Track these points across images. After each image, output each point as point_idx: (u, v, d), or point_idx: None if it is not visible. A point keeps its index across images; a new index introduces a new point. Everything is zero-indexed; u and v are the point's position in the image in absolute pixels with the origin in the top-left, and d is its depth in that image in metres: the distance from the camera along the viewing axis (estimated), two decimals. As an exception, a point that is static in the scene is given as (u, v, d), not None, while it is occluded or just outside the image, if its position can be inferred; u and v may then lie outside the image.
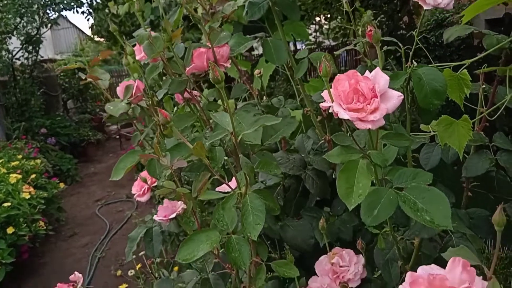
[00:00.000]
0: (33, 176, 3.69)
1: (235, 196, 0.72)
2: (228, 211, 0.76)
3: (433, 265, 0.56)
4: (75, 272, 0.90)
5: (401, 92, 0.88)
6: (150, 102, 0.95)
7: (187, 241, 0.75)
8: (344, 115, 0.66)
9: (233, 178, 0.83)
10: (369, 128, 0.66)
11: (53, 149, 5.15)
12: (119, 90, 0.90)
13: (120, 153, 5.48)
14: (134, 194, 1.18)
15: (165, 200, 0.86)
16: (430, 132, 1.09)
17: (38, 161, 4.08)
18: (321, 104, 0.70)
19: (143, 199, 1.16)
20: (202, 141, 0.77)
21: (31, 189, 3.38)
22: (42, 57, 6.11)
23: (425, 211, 0.70)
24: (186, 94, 0.95)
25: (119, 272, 2.95)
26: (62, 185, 4.13)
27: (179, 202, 0.83)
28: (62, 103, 6.78)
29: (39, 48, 5.77)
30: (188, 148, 0.84)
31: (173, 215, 0.82)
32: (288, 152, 1.19)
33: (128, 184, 5.08)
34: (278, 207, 0.80)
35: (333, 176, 1.18)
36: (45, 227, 3.35)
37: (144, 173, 1.10)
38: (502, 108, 0.96)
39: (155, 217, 0.86)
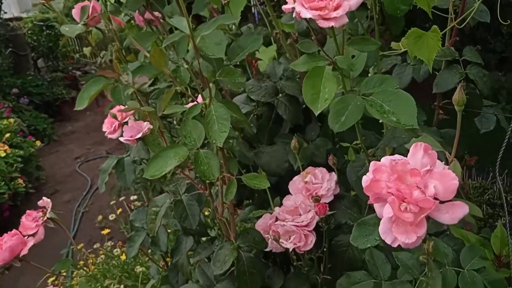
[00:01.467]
0: (7, 135, 3.60)
1: (199, 106, 0.70)
2: (195, 127, 0.74)
3: (396, 155, 0.56)
4: (43, 198, 0.89)
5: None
6: (110, 26, 0.90)
7: (155, 157, 0.73)
8: (306, 14, 0.64)
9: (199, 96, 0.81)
10: (333, 27, 0.64)
11: (26, 109, 5.00)
12: (75, 12, 0.86)
13: (97, 110, 5.37)
14: (105, 132, 1.15)
15: (130, 121, 0.84)
16: (401, 49, 1.08)
17: (12, 120, 3.97)
18: (284, 7, 0.67)
19: (115, 135, 1.13)
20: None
21: (6, 147, 3.31)
22: (5, 12, 5.82)
23: (392, 113, 0.70)
24: (147, 15, 0.90)
25: (105, 231, 2.97)
26: (38, 143, 4.06)
27: (145, 122, 0.81)
28: (32, 62, 6.54)
29: (1, 3, 5.48)
30: (152, 68, 0.81)
31: (139, 135, 0.80)
32: (260, 80, 1.17)
33: (107, 141, 5.00)
34: (245, 118, 0.79)
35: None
36: (24, 185, 3.31)
37: (114, 109, 1.08)
38: (468, 19, 0.94)
39: (121, 138, 0.84)
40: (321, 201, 0.91)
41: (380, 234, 0.53)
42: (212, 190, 0.86)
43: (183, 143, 0.75)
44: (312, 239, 0.92)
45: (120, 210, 1.96)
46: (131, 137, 0.81)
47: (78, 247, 1.91)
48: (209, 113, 0.67)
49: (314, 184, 0.97)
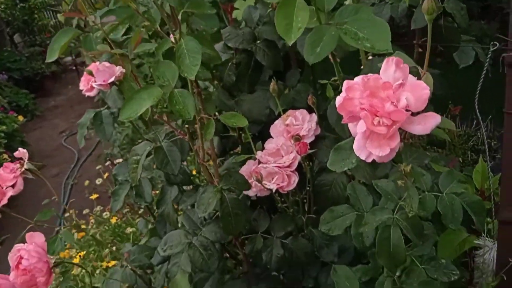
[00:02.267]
0: (-12, 111, 3.54)
1: (169, 41, 0.68)
2: (168, 67, 0.73)
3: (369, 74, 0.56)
4: (19, 149, 0.88)
5: None
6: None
7: (129, 99, 0.72)
8: None
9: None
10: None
11: (6, 85, 4.89)
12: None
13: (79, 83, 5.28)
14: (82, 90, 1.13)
15: (102, 65, 0.82)
16: (378, -14, 1.06)
17: (-9, 96, 3.89)
18: None
19: (92, 93, 1.11)
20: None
21: (-13, 123, 3.25)
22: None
23: (366, 39, 0.69)
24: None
25: (94, 196, 2.97)
26: (21, 118, 4.00)
27: (117, 66, 0.79)
28: (8, 38, 6.34)
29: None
30: (121, 11, 0.78)
31: (112, 79, 0.78)
32: (236, 27, 1.14)
33: (92, 112, 4.87)
34: (217, 54, 0.77)
35: (285, 47, 1.15)
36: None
37: (91, 66, 1.05)
38: None
39: (94, 84, 0.83)
40: (302, 139, 0.91)
41: (355, 153, 0.54)
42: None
43: (157, 84, 0.74)
44: (295, 179, 0.93)
45: (107, 174, 1.96)
46: (104, 81, 0.79)
47: (70, 212, 1.92)
48: (180, 47, 0.66)
49: (295, 126, 0.96)
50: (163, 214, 1.02)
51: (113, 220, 1.81)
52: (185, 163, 1.05)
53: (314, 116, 0.98)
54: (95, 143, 4.07)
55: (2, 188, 0.82)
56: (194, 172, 1.67)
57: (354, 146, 0.53)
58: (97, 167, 2.34)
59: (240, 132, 1.18)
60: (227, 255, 1.20)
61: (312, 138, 0.96)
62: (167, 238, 0.93)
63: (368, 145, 0.51)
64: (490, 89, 0.97)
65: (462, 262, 1.23)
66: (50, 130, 4.65)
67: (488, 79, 0.94)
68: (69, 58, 6.35)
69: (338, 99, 0.54)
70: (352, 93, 0.53)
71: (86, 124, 1.01)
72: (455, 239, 1.13)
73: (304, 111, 0.99)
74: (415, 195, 0.61)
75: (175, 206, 1.05)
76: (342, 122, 0.55)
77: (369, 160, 0.52)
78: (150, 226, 1.16)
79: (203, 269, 0.87)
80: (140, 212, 1.50)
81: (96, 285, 1.38)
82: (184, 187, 1.04)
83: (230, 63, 1.14)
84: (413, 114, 0.51)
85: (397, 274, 0.78)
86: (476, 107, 0.99)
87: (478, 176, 1.17)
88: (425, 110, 0.52)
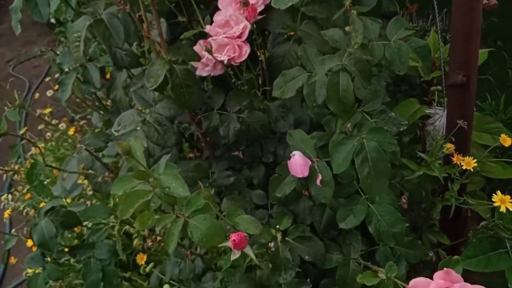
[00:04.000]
0: None
1: None
2: None
3: None
4: None
5: None
6: None
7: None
8: None
9: None
10: None
11: None
12: None
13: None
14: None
15: None
16: None
17: None
18: None
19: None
20: None
21: None
22: None
23: None
24: None
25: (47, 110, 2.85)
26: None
27: None
28: None
29: None
30: None
31: None
32: None
33: (39, 39, 4.67)
34: None
35: None
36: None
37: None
38: None
39: None
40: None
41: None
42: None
43: None
44: (246, 49, 0.91)
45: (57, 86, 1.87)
46: None
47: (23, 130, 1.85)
48: None
49: None
50: (115, 100, 0.99)
51: (71, 132, 1.76)
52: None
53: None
54: (44, 70, 3.88)
55: None
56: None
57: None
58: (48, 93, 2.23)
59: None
60: (187, 144, 1.20)
61: (262, 7, 0.93)
62: (120, 118, 0.90)
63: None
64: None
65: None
66: (-4, 60, 4.37)
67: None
68: (6, -17, 5.84)
69: None
70: None
71: (19, 7, 0.93)
72: (408, 110, 1.17)
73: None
74: (360, 27, 0.61)
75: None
76: None
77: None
78: (104, 116, 1.13)
79: (159, 144, 0.86)
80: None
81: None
82: (133, 71, 1.00)
83: None
84: None
85: (350, 128, 0.80)
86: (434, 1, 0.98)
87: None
88: None
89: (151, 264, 1.15)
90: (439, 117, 1.11)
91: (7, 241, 1.09)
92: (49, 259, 1.08)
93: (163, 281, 1.15)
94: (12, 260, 1.66)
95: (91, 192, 1.38)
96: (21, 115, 3.36)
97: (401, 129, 0.80)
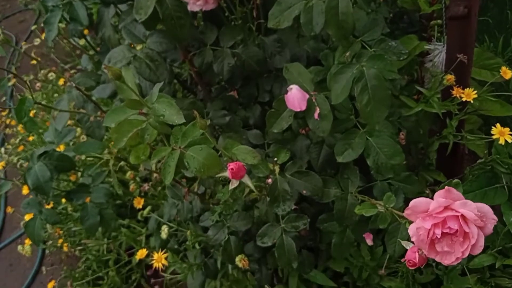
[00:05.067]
0: None
1: None
2: None
3: None
4: None
5: None
6: None
7: None
8: None
9: None
10: None
11: None
12: None
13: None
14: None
15: None
16: None
17: None
18: None
19: None
20: None
21: None
22: None
23: None
24: None
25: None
26: None
27: None
28: None
29: None
30: None
31: None
32: None
33: (23, -7, 4.46)
34: None
35: None
36: None
37: None
38: None
39: None
40: None
41: None
42: None
43: None
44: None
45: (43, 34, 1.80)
46: None
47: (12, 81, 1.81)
48: None
49: None
50: (104, 38, 0.95)
51: (60, 82, 1.72)
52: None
53: None
54: (31, 25, 3.76)
55: None
56: None
57: None
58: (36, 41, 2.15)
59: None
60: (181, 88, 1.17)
61: None
62: (110, 55, 0.87)
63: None
64: None
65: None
66: (-21, 16, 4.22)
67: None
68: None
69: None
70: None
71: None
72: (407, 46, 1.14)
73: None
74: None
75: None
76: None
77: None
78: (94, 58, 1.09)
79: (151, 80, 0.83)
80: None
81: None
82: (121, 8, 0.95)
83: None
84: None
85: (349, 57, 0.78)
86: None
87: (430, -20, 1.14)
88: None
89: (148, 208, 1.14)
90: (438, 52, 1.08)
91: (2, 186, 1.07)
92: (46, 205, 1.07)
93: (161, 224, 1.16)
94: (9, 209, 1.66)
95: (84, 139, 1.36)
96: (9, 67, 3.29)
97: (401, 58, 0.78)
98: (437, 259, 0.55)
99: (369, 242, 0.91)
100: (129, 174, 1.22)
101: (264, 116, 1.08)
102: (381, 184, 0.93)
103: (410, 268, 0.58)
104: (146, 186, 1.17)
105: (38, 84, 1.76)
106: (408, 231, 0.55)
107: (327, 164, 0.96)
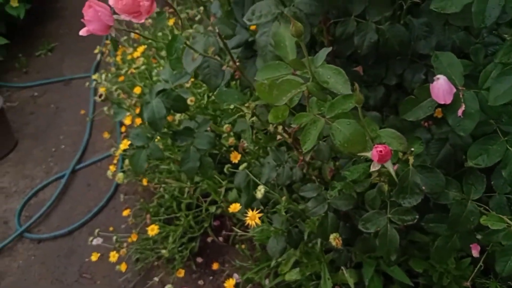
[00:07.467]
0: None
1: None
2: None
3: None
4: None
5: None
6: None
7: None
8: None
9: None
10: None
11: None
12: None
13: None
14: None
15: None
16: None
17: None
18: None
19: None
20: None
21: None
22: None
23: None
24: None
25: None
26: None
27: None
28: None
29: None
30: None
31: None
32: None
33: None
34: None
35: None
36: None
37: None
38: None
39: None
40: None
41: None
42: None
43: None
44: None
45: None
46: None
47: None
48: None
49: None
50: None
51: (171, 22, 1.74)
52: None
53: None
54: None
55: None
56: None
57: None
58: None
59: None
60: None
61: None
62: (254, 7, 0.85)
63: None
64: None
65: None
66: None
67: None
68: None
69: None
70: None
71: None
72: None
73: None
74: None
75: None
76: None
77: None
78: (225, 7, 1.07)
79: (294, 41, 0.81)
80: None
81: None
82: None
83: None
84: None
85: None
86: None
87: None
88: None
89: (245, 164, 1.15)
90: None
91: (117, 114, 1.12)
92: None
93: (250, 182, 1.16)
94: (106, 134, 1.73)
95: (188, 84, 1.37)
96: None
97: None
98: None
99: (475, 253, 0.87)
100: (225, 127, 1.23)
101: (386, 98, 1.04)
102: (499, 197, 0.87)
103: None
104: (244, 143, 1.17)
105: (149, 20, 1.79)
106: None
107: (446, 164, 0.91)
